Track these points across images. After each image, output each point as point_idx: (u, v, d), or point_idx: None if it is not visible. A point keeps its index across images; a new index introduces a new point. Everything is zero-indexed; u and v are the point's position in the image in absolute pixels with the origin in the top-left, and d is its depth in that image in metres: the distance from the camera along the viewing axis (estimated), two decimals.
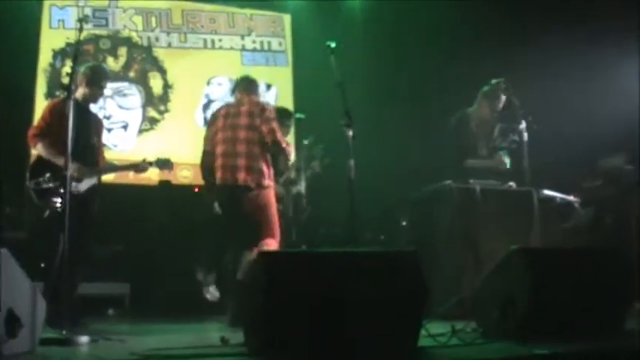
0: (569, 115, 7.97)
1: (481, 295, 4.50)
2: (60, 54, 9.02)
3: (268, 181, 6.14)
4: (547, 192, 6.68)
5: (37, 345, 3.74)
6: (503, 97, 6.86)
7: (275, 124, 6.13)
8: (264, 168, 6.12)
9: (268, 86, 9.44)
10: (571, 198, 6.93)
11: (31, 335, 3.64)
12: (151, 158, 6.34)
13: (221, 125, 6.23)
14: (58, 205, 5.49)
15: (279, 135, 6.12)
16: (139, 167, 6.25)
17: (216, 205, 6.47)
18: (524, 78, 7.35)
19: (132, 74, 9.37)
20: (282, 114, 7.00)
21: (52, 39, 9.08)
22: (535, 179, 6.51)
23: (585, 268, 4.26)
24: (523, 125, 6.57)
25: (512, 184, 6.60)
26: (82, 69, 5.93)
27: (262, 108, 6.25)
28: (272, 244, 5.98)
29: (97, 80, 5.99)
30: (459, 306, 5.11)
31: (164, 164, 6.33)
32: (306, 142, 7.37)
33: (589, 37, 8.13)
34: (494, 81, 6.84)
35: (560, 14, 8.39)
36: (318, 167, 7.34)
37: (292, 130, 7.50)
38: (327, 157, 7.35)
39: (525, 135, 6.55)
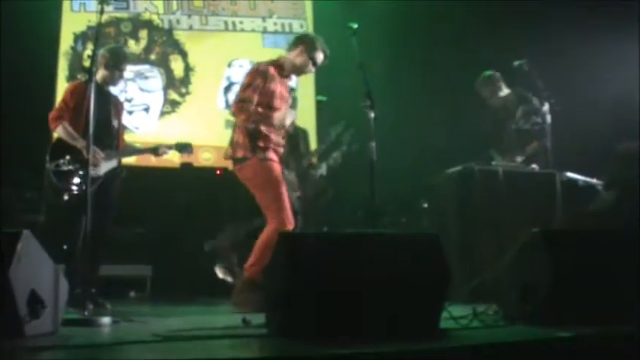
0: (593, 96, 7.91)
1: (502, 278, 4.48)
2: (81, 37, 9.06)
3: (244, 153, 5.62)
4: (570, 174, 6.64)
5: (60, 326, 3.76)
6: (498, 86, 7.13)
7: (243, 83, 5.68)
8: (241, 139, 5.66)
9: None
10: (594, 181, 6.88)
11: (53, 316, 3.66)
12: (171, 142, 6.34)
13: None
14: (76, 188, 5.53)
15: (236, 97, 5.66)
16: (158, 151, 6.26)
17: None
18: (547, 60, 7.29)
19: (153, 57, 9.39)
20: None
21: (73, 22, 9.12)
22: (558, 161, 6.47)
23: (608, 251, 4.22)
24: (546, 107, 6.53)
25: (534, 166, 6.57)
26: (101, 51, 5.91)
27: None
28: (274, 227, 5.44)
29: (116, 63, 5.99)
30: (480, 288, 5.10)
31: (184, 148, 6.34)
32: (333, 129, 7.32)
33: (613, 19, 8.06)
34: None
35: None
36: (340, 158, 7.29)
37: (309, 112, 7.44)
38: (356, 144, 7.27)
39: (548, 117, 6.51)
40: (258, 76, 5.66)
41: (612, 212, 6.71)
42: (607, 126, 7.71)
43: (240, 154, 5.63)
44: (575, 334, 3.40)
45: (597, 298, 3.96)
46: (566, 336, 3.38)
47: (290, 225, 5.51)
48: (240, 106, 5.58)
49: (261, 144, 5.64)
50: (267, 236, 5.42)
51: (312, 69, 6.05)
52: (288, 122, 5.85)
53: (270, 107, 5.69)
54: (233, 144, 5.73)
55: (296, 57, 5.85)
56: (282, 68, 5.85)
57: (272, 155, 5.68)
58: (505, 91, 7.22)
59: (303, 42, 5.89)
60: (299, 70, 5.97)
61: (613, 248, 4.22)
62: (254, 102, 5.59)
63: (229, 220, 7.29)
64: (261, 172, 5.59)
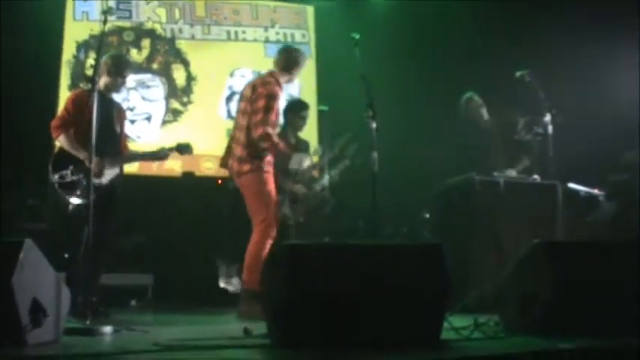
0: (594, 107, 7.91)
1: (504, 289, 4.48)
2: (83, 46, 9.06)
3: (250, 166, 5.87)
4: (571, 185, 6.64)
5: (62, 335, 3.77)
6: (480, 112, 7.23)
7: (259, 116, 5.81)
8: (245, 153, 5.91)
9: None
10: (595, 191, 6.89)
11: (55, 325, 3.66)
12: (171, 144, 6.32)
13: (237, 107, 6.30)
14: (81, 198, 5.52)
15: (257, 117, 5.81)
16: (159, 155, 6.26)
17: None
18: (548, 70, 7.30)
19: (155, 66, 9.40)
20: (297, 105, 7.02)
21: (75, 31, 9.12)
22: (559, 172, 6.47)
23: (609, 262, 4.22)
24: (548, 118, 6.53)
25: (536, 176, 6.57)
26: (103, 58, 5.91)
27: (256, 84, 6.05)
28: (257, 241, 5.75)
29: (118, 69, 5.99)
30: (481, 299, 5.10)
31: (184, 149, 6.30)
32: (337, 142, 7.31)
33: (613, 27, 8.08)
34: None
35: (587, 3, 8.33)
36: (338, 176, 7.28)
37: (311, 122, 7.44)
38: (360, 157, 7.23)
39: (550, 128, 6.51)
40: (274, 100, 5.92)
41: (614, 223, 6.72)
42: (609, 136, 7.70)
43: (246, 167, 5.87)
44: (576, 346, 3.40)
45: (598, 310, 3.96)
46: (567, 348, 3.38)
47: (271, 236, 5.77)
48: (269, 134, 5.80)
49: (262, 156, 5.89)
50: (253, 247, 5.72)
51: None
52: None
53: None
54: (237, 158, 5.93)
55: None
56: (279, 82, 6.12)
57: (269, 167, 5.94)
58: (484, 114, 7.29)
59: (290, 59, 6.26)
60: (289, 81, 6.38)
61: (614, 259, 4.22)
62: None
63: (230, 232, 7.29)
64: (257, 182, 5.86)
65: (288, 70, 6.19)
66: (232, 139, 6.14)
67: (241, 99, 6.17)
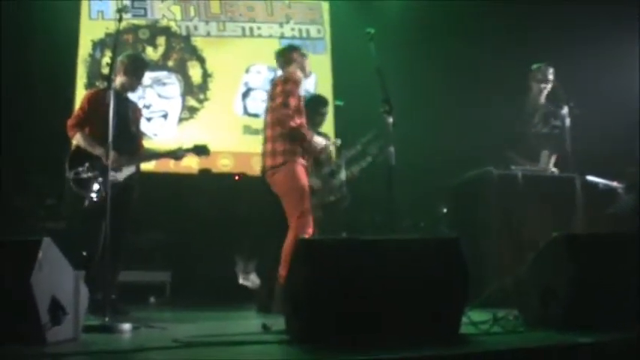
0: (612, 99, 7.86)
1: (523, 283, 4.46)
2: (99, 44, 9.10)
3: (283, 158, 5.83)
4: (590, 178, 6.59)
5: (81, 332, 3.78)
6: (551, 77, 6.82)
7: (279, 100, 5.83)
8: (279, 147, 5.88)
9: None
10: (614, 184, 6.83)
11: (74, 323, 3.68)
12: (189, 145, 6.32)
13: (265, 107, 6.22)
14: (96, 194, 5.55)
15: (281, 112, 5.83)
16: (176, 154, 6.24)
17: None
18: (564, 63, 7.25)
19: (171, 63, 9.41)
20: (317, 102, 7.01)
21: (91, 30, 9.16)
22: (578, 165, 6.42)
23: (629, 254, 4.19)
24: (565, 110, 6.48)
25: (554, 169, 6.53)
26: (120, 57, 5.94)
27: (274, 85, 6.08)
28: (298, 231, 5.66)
29: (135, 69, 6.02)
30: (500, 294, 5.07)
31: (201, 150, 6.31)
32: (363, 139, 7.30)
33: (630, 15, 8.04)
34: (535, 66, 6.76)
35: None
36: (357, 172, 7.27)
37: (327, 116, 7.41)
38: (382, 155, 7.20)
39: (567, 120, 6.46)
40: (291, 86, 5.92)
41: (634, 215, 6.67)
42: (628, 129, 7.65)
43: (279, 160, 5.81)
44: (596, 340, 3.38)
45: (619, 303, 3.93)
46: (587, 342, 3.35)
47: (309, 232, 5.65)
48: (297, 126, 5.84)
49: (299, 148, 5.87)
50: (289, 244, 5.58)
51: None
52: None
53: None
54: (270, 153, 5.90)
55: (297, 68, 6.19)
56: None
57: (302, 160, 5.89)
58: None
59: (294, 52, 6.26)
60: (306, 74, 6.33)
61: (635, 252, 4.19)
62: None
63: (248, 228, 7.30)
64: (292, 176, 5.78)
65: (290, 60, 6.22)
66: (264, 139, 6.09)
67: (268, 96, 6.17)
